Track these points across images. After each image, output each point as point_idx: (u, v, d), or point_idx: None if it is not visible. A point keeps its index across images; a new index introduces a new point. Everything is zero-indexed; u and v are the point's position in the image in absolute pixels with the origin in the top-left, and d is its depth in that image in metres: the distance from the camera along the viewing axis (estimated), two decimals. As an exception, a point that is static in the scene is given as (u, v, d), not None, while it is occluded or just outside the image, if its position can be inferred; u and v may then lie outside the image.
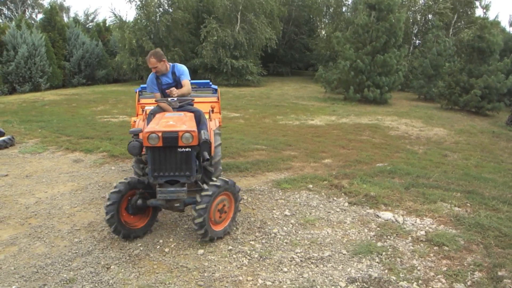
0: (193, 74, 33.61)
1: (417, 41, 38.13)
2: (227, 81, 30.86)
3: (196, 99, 7.71)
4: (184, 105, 6.97)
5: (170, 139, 5.57)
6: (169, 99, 6.67)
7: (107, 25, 38.38)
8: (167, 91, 6.98)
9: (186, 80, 7.10)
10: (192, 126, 5.91)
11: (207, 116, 7.39)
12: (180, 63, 25.19)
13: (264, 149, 11.65)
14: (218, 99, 8.84)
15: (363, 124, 16.44)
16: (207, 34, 30.76)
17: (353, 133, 14.46)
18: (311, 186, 8.45)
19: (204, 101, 8.53)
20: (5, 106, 19.04)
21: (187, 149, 5.68)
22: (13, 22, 29.09)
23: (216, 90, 9.09)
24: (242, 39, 30.38)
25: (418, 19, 37.22)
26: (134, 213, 6.02)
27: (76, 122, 14.97)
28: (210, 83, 9.08)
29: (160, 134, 5.54)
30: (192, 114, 6.67)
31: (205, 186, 5.85)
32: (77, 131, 13.23)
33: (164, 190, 5.69)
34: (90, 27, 41.88)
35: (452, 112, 21.21)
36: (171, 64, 7.23)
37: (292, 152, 11.44)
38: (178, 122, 5.94)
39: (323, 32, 43.15)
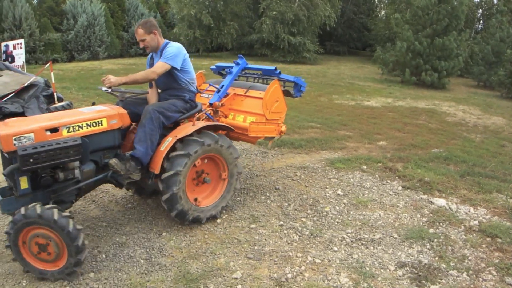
0: (249, 49, 33.68)
1: (480, 26, 37.08)
2: (283, 58, 30.76)
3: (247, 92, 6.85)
4: (132, 98, 5.63)
5: None
6: (103, 88, 5.12)
7: (166, -3, 38.66)
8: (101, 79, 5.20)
9: (158, 63, 5.49)
10: (19, 129, 4.42)
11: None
12: (236, 37, 25.03)
13: (318, 127, 11.64)
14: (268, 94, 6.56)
15: (419, 108, 16.19)
16: (266, 8, 30.63)
17: (409, 117, 14.27)
18: (365, 167, 8.40)
19: (253, 95, 6.80)
20: (64, 73, 19.50)
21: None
22: (74, -8, 29.63)
23: (281, 80, 7.34)
24: (302, 15, 30.12)
25: (483, 2, 36.12)
26: None
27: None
28: (278, 71, 7.16)
29: None
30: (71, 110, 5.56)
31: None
32: (134, 100, 13.42)
33: None
34: (149, -2, 42.26)
35: (512, 101, 20.64)
36: (165, 40, 5.81)
37: (346, 132, 11.39)
38: (24, 122, 4.69)
39: (383, 12, 42.41)
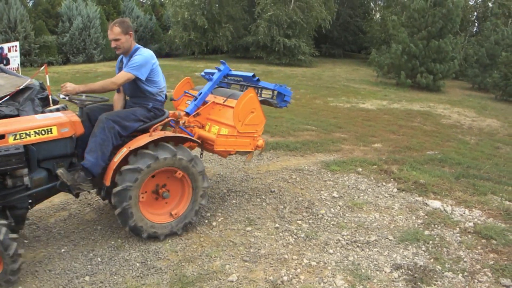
0: (245, 52, 33.75)
1: (475, 29, 37.22)
2: (278, 60, 30.79)
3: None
4: (99, 104, 5.53)
5: None
6: (60, 95, 5.09)
7: (162, 0, 38.69)
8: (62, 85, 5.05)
9: (121, 72, 5.26)
10: None
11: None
12: (232, 40, 25.03)
13: (314, 130, 11.67)
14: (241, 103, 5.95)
15: (414, 111, 16.24)
16: (261, 11, 30.70)
17: (404, 119, 14.30)
18: (360, 169, 8.42)
19: (230, 105, 6.23)
20: (59, 76, 19.48)
21: None
22: (69, -5, 29.66)
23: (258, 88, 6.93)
24: (297, 17, 30.17)
25: (478, 5, 36.26)
26: None
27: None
28: (256, 78, 6.68)
29: None
30: (31, 117, 5.42)
31: None
32: (129, 103, 13.43)
33: None
34: (144, 1, 42.26)
35: (507, 104, 20.70)
36: (136, 45, 5.46)
37: (342, 135, 11.41)
38: None
39: (378, 15, 42.54)
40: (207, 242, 5.39)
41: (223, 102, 6.29)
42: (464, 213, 6.68)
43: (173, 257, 5.01)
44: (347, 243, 5.53)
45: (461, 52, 25.80)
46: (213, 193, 6.95)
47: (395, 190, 7.50)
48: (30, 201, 4.88)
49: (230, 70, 6.95)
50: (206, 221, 5.95)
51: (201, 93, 6.52)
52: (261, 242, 5.46)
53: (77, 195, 5.40)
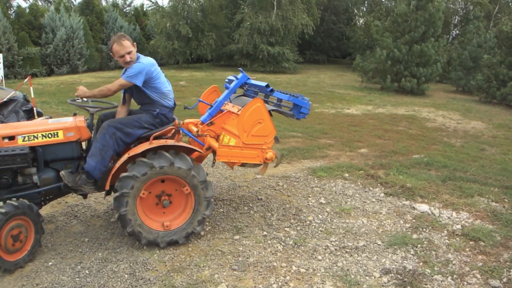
0: (229, 60, 33.80)
1: (456, 32, 37.51)
2: (263, 68, 30.81)
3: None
4: (108, 111, 5.81)
5: None
6: (68, 100, 5.62)
7: (144, 9, 38.61)
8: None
9: (117, 80, 5.47)
10: None
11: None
12: (215, 48, 24.98)
13: (300, 137, 11.67)
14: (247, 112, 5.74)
15: (399, 115, 16.30)
16: (242, 20, 30.76)
17: (390, 124, 14.35)
18: (347, 175, 8.43)
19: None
20: (43, 87, 19.38)
21: None
22: (52, 5, 29.50)
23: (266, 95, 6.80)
24: (278, 25, 30.21)
25: (458, 9, 36.57)
26: None
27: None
28: (269, 88, 6.44)
29: None
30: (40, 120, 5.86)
31: None
32: (114, 113, 13.38)
33: None
34: (127, 11, 42.14)
35: (491, 106, 20.82)
36: (137, 54, 5.59)
37: (328, 141, 11.42)
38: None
39: (361, 21, 42.78)
40: (196, 252, 5.36)
41: (237, 111, 5.95)
42: (451, 216, 6.71)
43: (161, 268, 4.97)
44: (335, 249, 5.53)
45: (444, 55, 25.93)
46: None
47: (382, 194, 7.52)
48: (42, 199, 5.44)
49: (249, 78, 6.68)
50: (194, 230, 5.92)
51: (217, 101, 6.38)
52: (249, 250, 5.44)
53: (84, 196, 5.77)
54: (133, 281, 4.69)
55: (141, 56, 5.58)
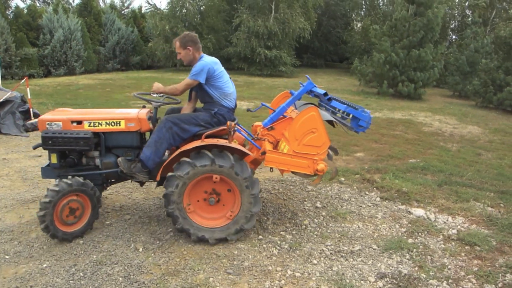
0: (227, 63, 33.68)
1: (454, 36, 37.60)
2: (260, 71, 30.77)
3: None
4: (176, 107, 6.28)
5: None
6: (134, 94, 6.09)
7: (142, 12, 38.57)
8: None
9: (184, 80, 5.84)
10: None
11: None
12: (213, 51, 24.87)
13: (296, 140, 11.64)
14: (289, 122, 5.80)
15: (396, 119, 16.30)
16: (240, 23, 30.74)
17: (386, 128, 14.35)
18: (343, 179, 8.43)
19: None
20: (40, 89, 19.35)
21: None
22: (50, 7, 29.47)
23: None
24: (275, 29, 30.19)
25: (456, 14, 36.67)
26: None
27: (109, 106, 15.13)
28: (328, 96, 6.14)
29: None
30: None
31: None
32: (111, 116, 13.36)
33: None
34: (125, 13, 42.10)
35: (487, 110, 20.84)
36: (202, 54, 6.00)
37: (324, 145, 11.39)
38: None
39: (359, 25, 42.82)
40: (190, 255, 5.35)
41: None
42: (447, 221, 6.72)
43: (156, 271, 4.96)
44: (331, 253, 5.53)
45: (441, 60, 25.96)
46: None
47: (378, 199, 7.52)
48: (103, 181, 6.06)
49: (315, 86, 6.25)
50: (189, 233, 5.91)
51: (281, 107, 6.19)
52: (244, 254, 5.43)
53: (141, 184, 6.38)
54: (127, 284, 4.68)
55: (205, 55, 5.97)
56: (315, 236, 6.01)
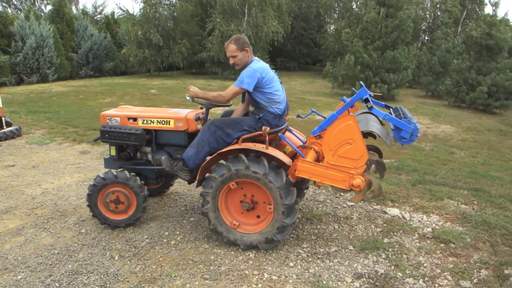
0: (200, 67, 33.70)
1: (426, 37, 38.04)
2: (234, 75, 30.60)
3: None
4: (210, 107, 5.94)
5: None
6: (187, 97, 5.78)
7: (115, 17, 38.28)
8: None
9: (230, 87, 5.57)
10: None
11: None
12: (187, 56, 24.50)
13: (271, 144, 11.64)
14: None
15: (370, 120, 16.37)
16: (213, 28, 30.68)
17: (360, 129, 14.40)
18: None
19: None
20: (12, 97, 19.08)
21: None
22: (22, 13, 29.10)
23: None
24: (248, 32, 30.17)
25: (427, 15, 37.09)
26: None
27: (83, 114, 15.01)
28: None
29: None
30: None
31: None
32: (84, 123, 13.28)
33: None
34: (98, 19, 41.74)
35: (460, 110, 21.14)
36: (253, 58, 5.80)
37: (299, 147, 11.42)
38: None
39: (332, 27, 43.04)
40: (167, 262, 5.31)
41: None
42: (422, 219, 6.78)
43: (132, 279, 4.92)
44: (307, 255, 5.53)
45: (414, 61, 26.26)
46: (171, 211, 6.88)
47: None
48: (156, 176, 6.54)
49: (370, 94, 5.73)
50: (165, 240, 5.87)
51: (331, 115, 5.63)
52: (221, 259, 5.41)
53: (188, 182, 6.19)
54: (103, 293, 4.63)
55: (255, 59, 5.80)
56: (291, 238, 6.01)
